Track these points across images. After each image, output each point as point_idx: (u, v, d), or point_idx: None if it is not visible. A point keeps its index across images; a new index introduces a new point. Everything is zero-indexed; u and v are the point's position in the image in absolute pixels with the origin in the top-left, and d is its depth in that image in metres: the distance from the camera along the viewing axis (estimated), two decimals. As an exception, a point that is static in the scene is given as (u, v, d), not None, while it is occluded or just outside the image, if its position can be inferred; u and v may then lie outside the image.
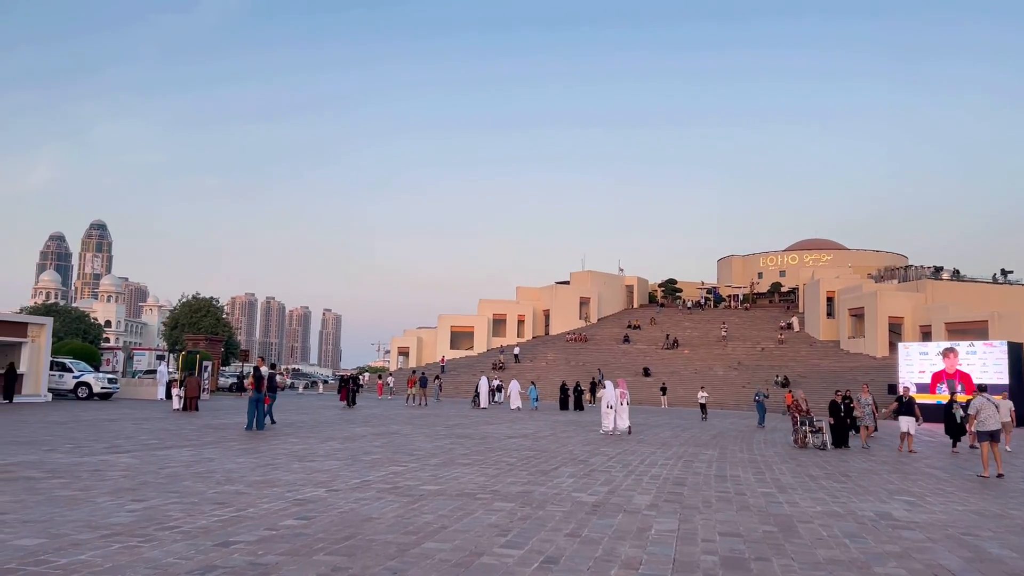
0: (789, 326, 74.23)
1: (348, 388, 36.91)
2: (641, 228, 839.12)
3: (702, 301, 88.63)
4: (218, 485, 10.69)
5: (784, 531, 8.88)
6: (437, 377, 55.27)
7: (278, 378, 28.83)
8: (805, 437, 21.44)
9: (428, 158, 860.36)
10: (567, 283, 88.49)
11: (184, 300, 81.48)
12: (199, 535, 7.41)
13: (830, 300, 70.51)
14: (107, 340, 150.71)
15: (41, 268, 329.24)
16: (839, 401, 22.03)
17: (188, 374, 31.27)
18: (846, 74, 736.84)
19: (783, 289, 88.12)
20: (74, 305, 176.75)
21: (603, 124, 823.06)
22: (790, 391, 49.33)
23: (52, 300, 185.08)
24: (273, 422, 23.45)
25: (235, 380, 58.59)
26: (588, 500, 10.57)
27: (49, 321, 35.14)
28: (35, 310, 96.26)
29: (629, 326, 79.11)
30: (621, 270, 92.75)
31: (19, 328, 33.05)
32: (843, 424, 21.65)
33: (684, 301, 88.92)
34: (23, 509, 8.40)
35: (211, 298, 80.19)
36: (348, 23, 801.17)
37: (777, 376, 57.87)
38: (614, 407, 23.92)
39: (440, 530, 8.11)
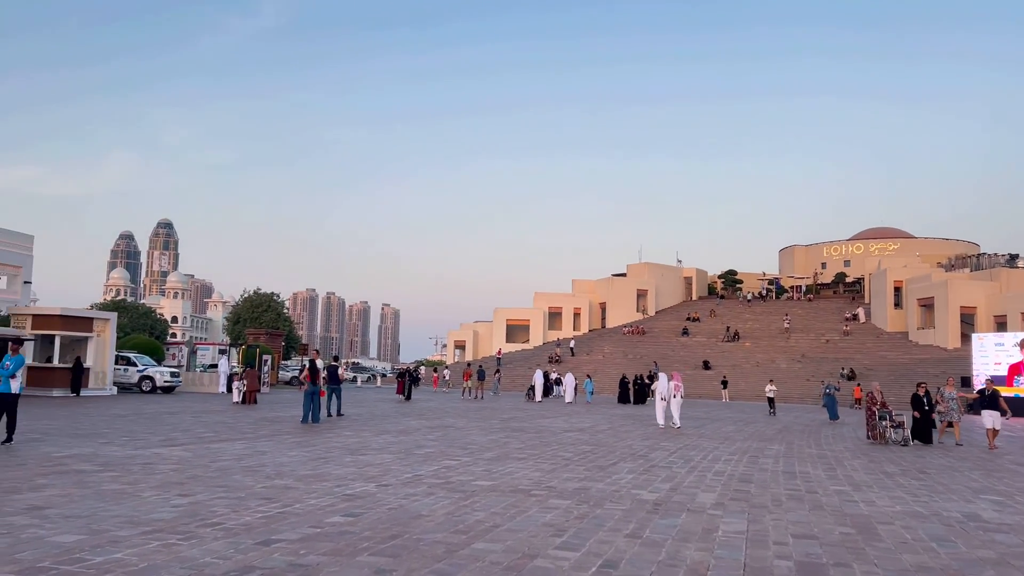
0: (855, 317, 72.05)
1: (405, 381, 36.81)
2: (700, 219, 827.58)
3: (763, 292, 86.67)
4: (267, 479, 10.45)
5: (863, 533, 8.21)
6: (497, 371, 54.90)
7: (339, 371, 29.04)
8: (885, 432, 20.43)
9: (483, 147, 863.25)
10: (624, 275, 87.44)
11: (246, 296, 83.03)
12: (241, 532, 7.11)
13: (897, 290, 68.16)
14: (173, 335, 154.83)
15: (112, 266, 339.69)
16: (921, 394, 20.92)
17: (247, 368, 31.51)
18: (913, 54, 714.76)
19: (848, 279, 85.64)
20: (142, 301, 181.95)
21: (660, 111, 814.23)
22: (859, 384, 47.77)
23: (121, 296, 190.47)
24: (340, 414, 23.59)
25: (296, 374, 59.37)
26: (649, 498, 10.03)
27: (113, 316, 35.83)
28: (104, 306, 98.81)
29: (688, 318, 77.77)
30: (679, 261, 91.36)
31: (85, 323, 33.75)
32: (927, 418, 20.59)
33: (745, 293, 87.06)
34: (68, 504, 8.24)
35: (272, 293, 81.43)
36: (400, 18, 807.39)
37: (843, 369, 56.13)
38: (667, 399, 23.52)
39: (491, 529, 7.68)
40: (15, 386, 12.87)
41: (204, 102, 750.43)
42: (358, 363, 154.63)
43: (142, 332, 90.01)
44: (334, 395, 23.59)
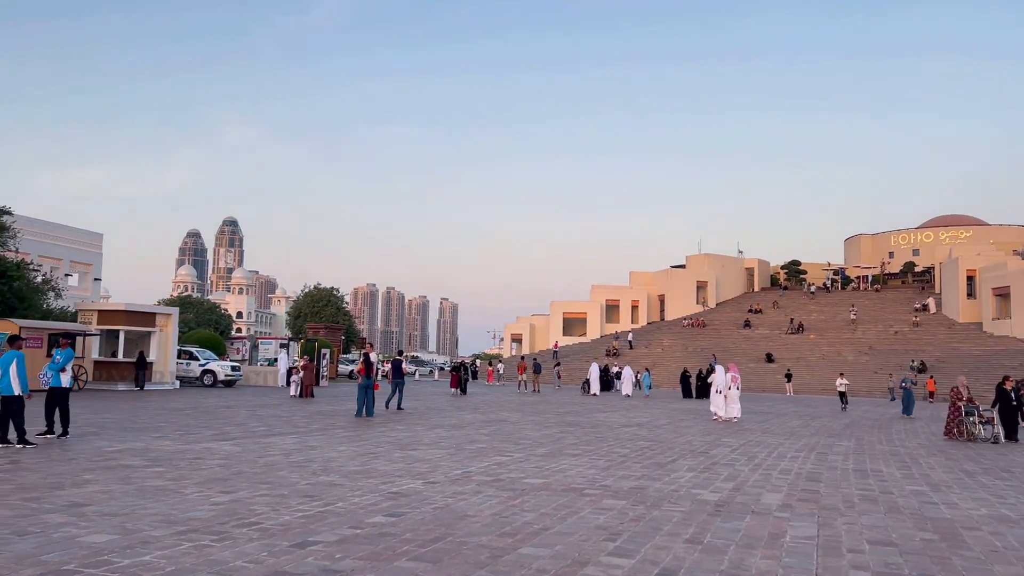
0: (925, 308, 69.48)
1: (459, 375, 36.58)
2: (761, 208, 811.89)
3: (828, 283, 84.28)
4: (313, 476, 10.18)
5: (947, 540, 7.52)
6: (557, 364, 54.16)
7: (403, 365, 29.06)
8: (972, 429, 19.32)
9: (539, 143, 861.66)
10: (683, 267, 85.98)
11: (306, 291, 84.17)
12: (277, 533, 6.80)
13: (970, 279, 65.46)
14: (238, 331, 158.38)
15: (180, 263, 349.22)
16: (1009, 388, 19.71)
17: (307, 361, 31.65)
18: (981, 38, 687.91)
19: (917, 269, 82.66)
20: (208, 297, 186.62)
21: (716, 100, 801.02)
22: (932, 377, 45.92)
23: (187, 293, 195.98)
24: (400, 408, 23.55)
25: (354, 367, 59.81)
26: (710, 498, 9.45)
27: (175, 311, 36.40)
28: (171, 302, 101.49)
29: (750, 310, 76.06)
30: (740, 252, 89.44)
31: (148, 318, 34.32)
32: (1014, 414, 19.42)
33: (808, 284, 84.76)
34: (108, 501, 8.06)
35: (332, 288, 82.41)
36: (456, 21, 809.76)
37: (913, 361, 54.11)
38: (723, 392, 23.19)
39: (540, 532, 7.22)
40: (65, 380, 12.88)
41: (264, 101, 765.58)
42: (417, 356, 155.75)
43: (207, 327, 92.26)
44: (397, 389, 23.69)
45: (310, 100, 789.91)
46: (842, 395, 33.58)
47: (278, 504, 8.14)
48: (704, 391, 38.43)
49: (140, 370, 32.52)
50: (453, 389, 36.48)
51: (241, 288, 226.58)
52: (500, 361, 71.79)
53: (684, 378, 41.28)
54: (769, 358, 60.76)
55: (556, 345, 73.85)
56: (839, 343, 63.75)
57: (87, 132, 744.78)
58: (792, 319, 70.63)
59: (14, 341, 12.70)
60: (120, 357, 32.95)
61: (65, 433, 13.50)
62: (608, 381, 44.21)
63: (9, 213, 33.16)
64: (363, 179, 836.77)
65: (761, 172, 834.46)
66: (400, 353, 31.14)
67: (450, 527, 7.29)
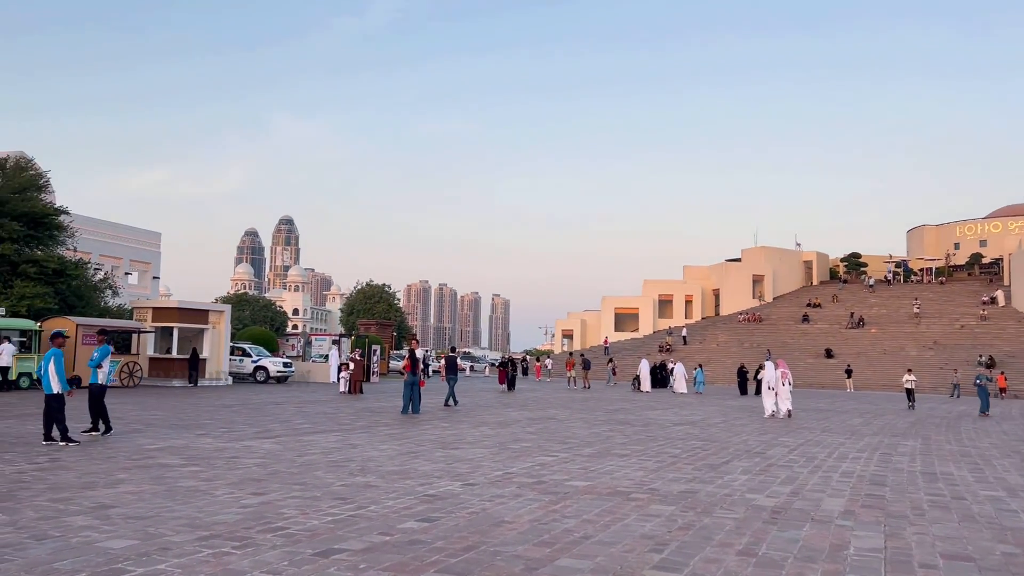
0: (993, 300, 66.80)
1: (507, 371, 36.12)
2: (820, 199, 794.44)
3: (889, 276, 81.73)
4: (349, 476, 9.87)
5: (1031, 554, 6.83)
6: (610, 360, 53.36)
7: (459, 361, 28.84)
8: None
9: (589, 134, 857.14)
10: (738, 260, 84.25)
11: (359, 287, 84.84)
12: (302, 540, 6.45)
13: (1043, 271, 62.68)
14: (295, 327, 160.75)
15: (238, 262, 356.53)
16: None
17: (355, 357, 31.61)
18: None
19: (984, 260, 79.59)
20: (265, 295, 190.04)
21: (771, 83, 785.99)
22: (1002, 373, 44.02)
23: (243, 290, 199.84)
24: (455, 403, 23.51)
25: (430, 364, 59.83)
26: (766, 504, 8.86)
27: (227, 308, 36.79)
28: (228, 300, 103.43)
29: (808, 304, 74.15)
30: (798, 245, 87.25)
31: (201, 315, 34.73)
32: None
33: (867, 277, 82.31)
34: (135, 503, 7.83)
35: (383, 285, 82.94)
36: (509, 12, 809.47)
37: (980, 356, 51.98)
38: (774, 388, 22.96)
39: (581, 541, 6.75)
40: (102, 377, 12.81)
41: (320, 101, 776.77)
42: (469, 352, 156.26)
43: (263, 324, 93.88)
44: (450, 385, 23.90)
45: (364, 99, 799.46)
46: (909, 392, 32.24)
47: (309, 507, 7.82)
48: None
49: (193, 367, 32.93)
50: (501, 385, 35.98)
51: (296, 285, 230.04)
52: (548, 357, 71.31)
53: (741, 374, 40.20)
54: (828, 353, 59.08)
55: (607, 341, 72.95)
56: (901, 338, 61.67)
57: (149, 135, 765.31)
58: (852, 313, 68.60)
59: (55, 339, 12.66)
60: (174, 354, 33.39)
61: (108, 430, 13.47)
62: (664, 378, 43.28)
63: (66, 212, 33.84)
64: (415, 177, 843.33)
65: (820, 161, 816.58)
66: (453, 350, 30.95)
67: (485, 534, 6.87)
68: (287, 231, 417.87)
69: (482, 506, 8.16)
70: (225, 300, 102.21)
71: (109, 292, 37.64)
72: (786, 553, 6.55)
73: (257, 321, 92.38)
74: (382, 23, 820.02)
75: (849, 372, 48.73)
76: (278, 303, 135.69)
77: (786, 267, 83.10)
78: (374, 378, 44.30)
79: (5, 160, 32.29)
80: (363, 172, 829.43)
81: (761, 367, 39.66)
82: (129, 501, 7.86)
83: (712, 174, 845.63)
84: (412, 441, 14.06)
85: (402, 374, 21.49)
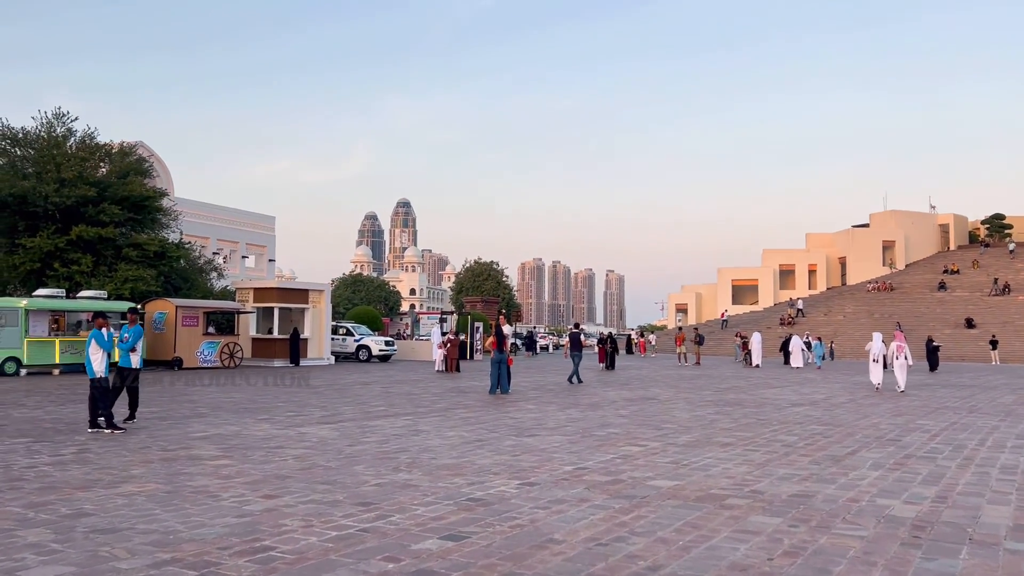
0: None
1: (606, 349, 33.37)
2: (956, 157, 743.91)
3: (1038, 238, 74.36)
4: (392, 472, 8.45)
5: None
6: (739, 334, 46.52)
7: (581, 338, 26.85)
8: None
9: (700, 94, 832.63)
10: (866, 226, 78.80)
11: (467, 266, 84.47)
12: (279, 569, 5.02)
13: None
14: (412, 306, 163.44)
15: (359, 245, 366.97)
16: None
17: (452, 335, 30.54)
18: None
19: None
20: (383, 276, 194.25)
21: (902, 31, 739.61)
22: None
23: (359, 272, 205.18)
24: (579, 381, 22.92)
25: (514, 341, 58.76)
26: (904, 514, 6.84)
27: (328, 287, 36.47)
28: (343, 281, 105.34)
29: (945, 271, 68.41)
30: (932, 207, 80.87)
31: (301, 295, 34.48)
32: None
33: (1010, 240, 75.18)
34: (120, 509, 6.65)
35: (491, 262, 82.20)
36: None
37: None
38: (879, 360, 21.96)
39: (646, 573, 5.03)
40: (135, 360, 11.86)
41: (433, 85, 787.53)
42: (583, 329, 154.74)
43: (377, 304, 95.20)
44: (575, 362, 23.46)
45: (477, 80, 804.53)
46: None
47: (319, 516, 6.42)
48: (934, 363, 33.63)
49: (294, 347, 32.70)
50: (600, 364, 33.74)
51: (412, 266, 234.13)
52: (652, 332, 68.78)
53: (930, 348, 35.29)
54: (969, 323, 54.08)
55: (724, 314, 69.54)
56: (1056, 305, 55.77)
57: (274, 125, 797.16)
58: (996, 279, 62.71)
59: (96, 319, 11.79)
60: (275, 334, 33.24)
61: (132, 418, 12.28)
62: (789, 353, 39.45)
63: (166, 195, 34.11)
64: (527, 155, 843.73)
65: (957, 113, 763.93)
66: (577, 326, 29.45)
67: (521, 560, 5.26)
68: (404, 213, 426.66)
69: (532, 515, 6.54)
70: (341, 281, 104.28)
71: (215, 274, 38.02)
72: (937, 601, 4.62)
73: (371, 301, 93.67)
74: (488, 3, 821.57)
75: (994, 343, 44.20)
76: (391, 283, 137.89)
77: (920, 231, 77.08)
78: (477, 355, 43.37)
79: (111, 148, 32.75)
80: (477, 152, 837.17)
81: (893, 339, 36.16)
82: (113, 508, 6.68)
83: (836, 132, 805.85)
84: (486, 426, 12.58)
85: (489, 352, 20.07)
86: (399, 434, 11.56)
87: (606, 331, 46.21)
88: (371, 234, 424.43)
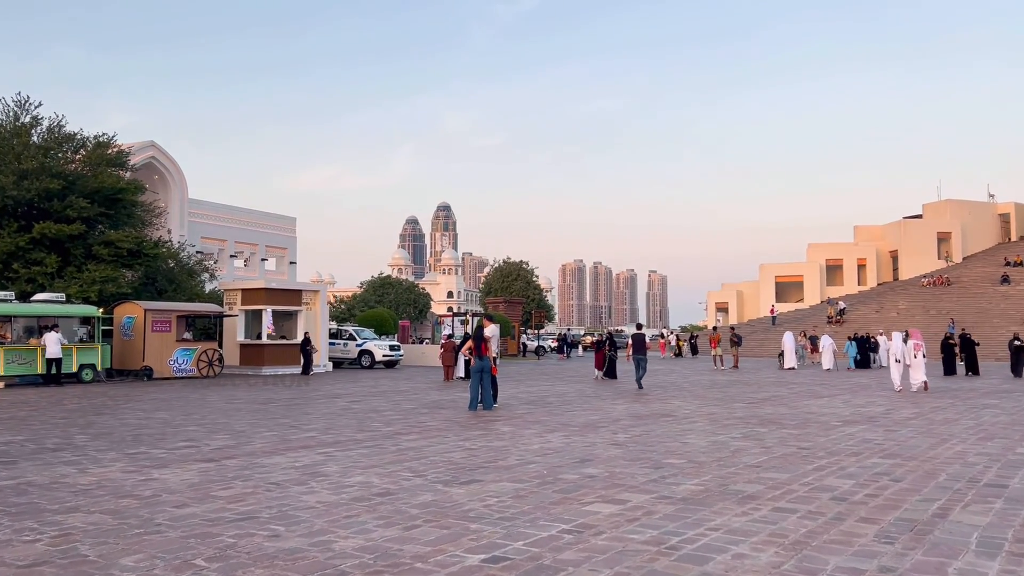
0: None
1: (604, 352, 26.80)
2: (1016, 141, 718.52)
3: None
4: (170, 574, 5.11)
5: None
6: (803, 333, 39.78)
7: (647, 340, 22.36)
8: None
9: (739, 82, 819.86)
10: (919, 217, 73.73)
11: (496, 266, 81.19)
12: None
13: None
14: (449, 309, 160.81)
15: (402, 248, 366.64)
16: None
17: (444, 339, 27.23)
18: None
19: None
20: (420, 280, 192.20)
21: (957, 4, 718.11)
22: None
23: (387, 274, 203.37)
24: (640, 387, 21.28)
25: (538, 343, 55.18)
26: None
27: (323, 287, 33.48)
28: (371, 283, 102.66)
29: (1007, 263, 63.17)
30: (991, 196, 75.37)
31: (293, 296, 31.43)
32: None
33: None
34: None
35: (521, 261, 78.86)
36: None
37: None
38: (902, 360, 21.33)
39: None
40: None
41: (473, 90, 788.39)
42: (621, 331, 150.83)
43: (405, 308, 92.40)
44: (640, 366, 21.91)
45: (514, 84, 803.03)
46: None
47: None
48: (972, 364, 29.12)
49: (305, 353, 29.39)
50: (597, 371, 26.97)
51: (449, 268, 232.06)
52: (672, 332, 64.87)
53: (947, 347, 29.90)
54: (1039, 319, 49.14)
55: (773, 310, 64.65)
56: None
57: (320, 133, 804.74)
58: (1067, 271, 57.47)
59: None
60: (264, 339, 30.19)
61: None
62: (865, 356, 35.14)
63: (142, 188, 31.19)
64: (566, 157, 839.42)
65: (1015, 97, 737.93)
66: (639, 326, 25.98)
67: None
68: (444, 217, 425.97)
69: None
70: (369, 284, 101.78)
71: (207, 276, 35.23)
72: None
73: (399, 304, 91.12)
74: (529, 7, 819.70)
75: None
76: (422, 286, 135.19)
77: (978, 222, 71.75)
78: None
79: (84, 139, 29.86)
80: (517, 155, 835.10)
81: (950, 335, 31.94)
82: None
83: (883, 116, 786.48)
84: (419, 465, 9.18)
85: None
86: (284, 479, 8.21)
87: (604, 332, 41.30)
88: (412, 238, 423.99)
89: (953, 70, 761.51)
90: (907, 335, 21.88)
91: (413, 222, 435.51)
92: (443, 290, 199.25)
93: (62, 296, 24.57)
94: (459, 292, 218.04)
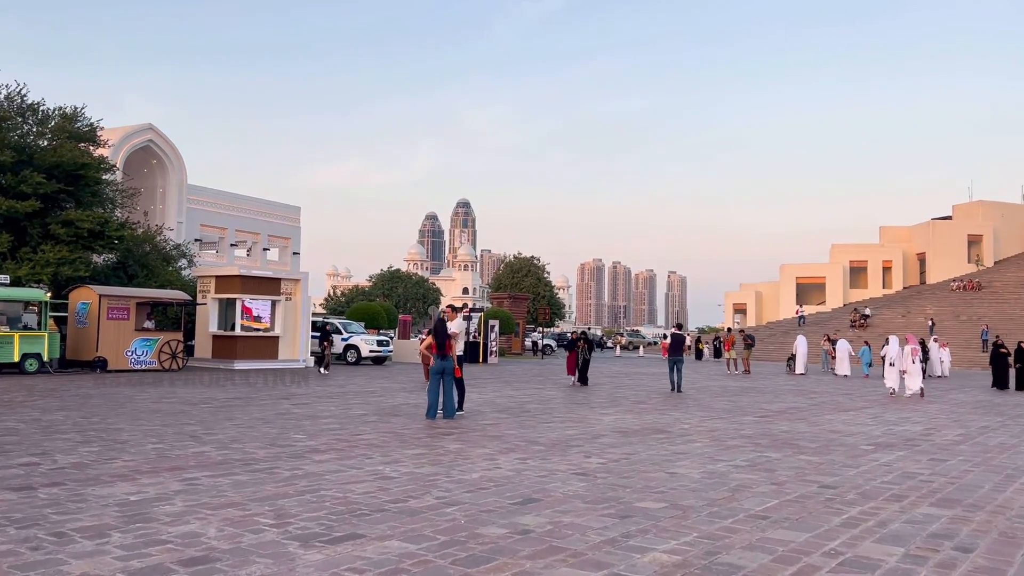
0: None
1: (577, 353, 22.98)
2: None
3: None
4: None
5: None
6: (827, 337, 36.59)
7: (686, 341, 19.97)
8: None
9: (764, 77, 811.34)
10: (949, 218, 70.46)
11: (506, 261, 78.76)
12: None
13: None
14: (466, 305, 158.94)
15: (420, 245, 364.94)
16: None
17: (423, 335, 24.70)
18: None
19: None
20: (435, 276, 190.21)
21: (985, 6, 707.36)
22: None
23: (405, 269, 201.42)
24: (679, 391, 20.12)
25: (536, 341, 52.40)
26: None
27: (306, 276, 31.07)
28: (380, 277, 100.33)
29: (1043, 268, 59.89)
30: (1026, 197, 71.88)
31: (271, 284, 29.10)
32: None
33: None
34: None
35: (532, 257, 76.48)
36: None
37: None
38: (896, 365, 21.22)
39: None
40: None
41: (496, 86, 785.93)
42: (637, 331, 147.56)
43: (415, 303, 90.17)
44: (676, 369, 20.63)
45: (542, 81, 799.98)
46: None
47: None
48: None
49: (322, 347, 26.54)
50: (569, 376, 23.49)
51: (465, 265, 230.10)
52: (688, 333, 62.06)
53: (997, 355, 26.05)
54: (1080, 328, 45.95)
55: (799, 310, 61.35)
56: None
57: (341, 127, 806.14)
58: (1108, 277, 54.16)
59: None
60: (237, 331, 27.82)
61: None
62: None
63: (106, 164, 28.69)
64: (588, 156, 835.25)
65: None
66: (679, 327, 23.62)
67: None
68: (464, 214, 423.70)
69: None
70: (378, 278, 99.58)
71: (184, 262, 33.00)
72: None
73: (409, 299, 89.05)
74: (558, 5, 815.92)
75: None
76: (436, 282, 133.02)
77: (1011, 224, 68.42)
78: (492, 358, 37.68)
79: (47, 111, 27.52)
80: (538, 153, 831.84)
81: (989, 342, 29.07)
82: None
83: (910, 113, 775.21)
84: (309, 497, 6.70)
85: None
86: (83, 527, 5.77)
87: (578, 329, 37.97)
88: (431, 234, 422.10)
89: (987, 67, 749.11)
90: (905, 340, 21.61)
91: (433, 218, 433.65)
92: (459, 286, 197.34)
93: (6, 278, 22.33)
94: (475, 289, 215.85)
